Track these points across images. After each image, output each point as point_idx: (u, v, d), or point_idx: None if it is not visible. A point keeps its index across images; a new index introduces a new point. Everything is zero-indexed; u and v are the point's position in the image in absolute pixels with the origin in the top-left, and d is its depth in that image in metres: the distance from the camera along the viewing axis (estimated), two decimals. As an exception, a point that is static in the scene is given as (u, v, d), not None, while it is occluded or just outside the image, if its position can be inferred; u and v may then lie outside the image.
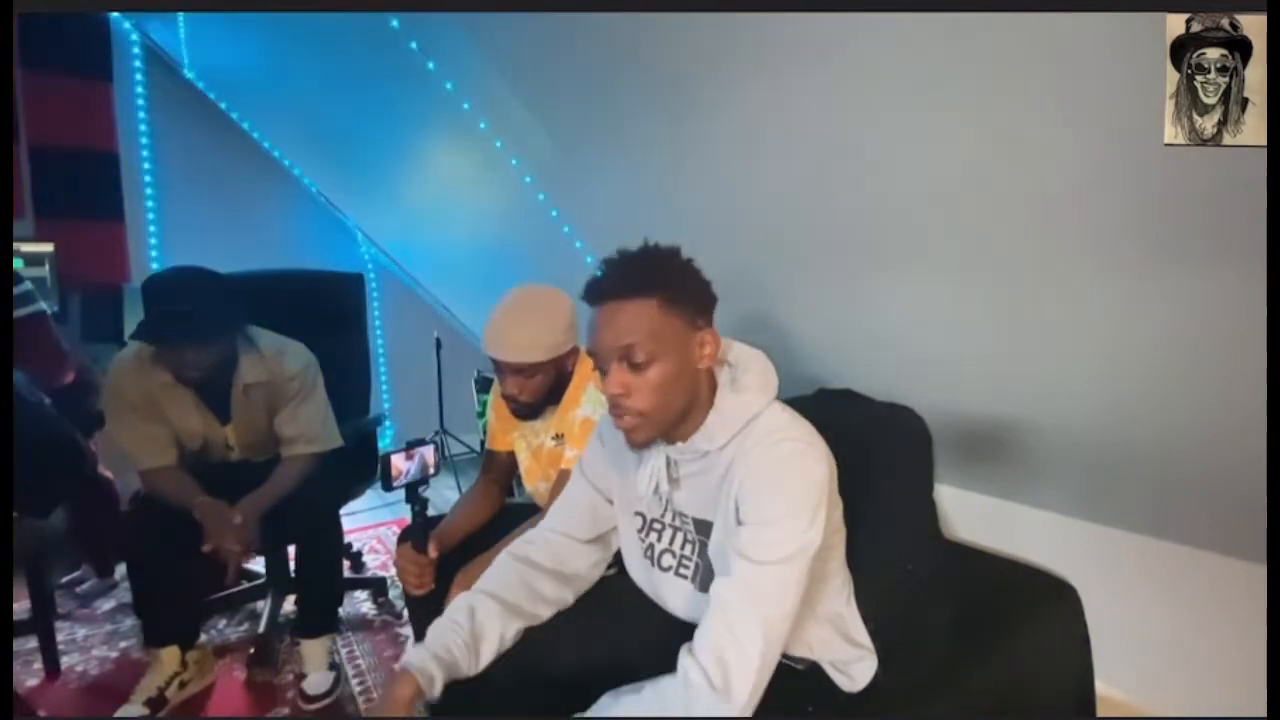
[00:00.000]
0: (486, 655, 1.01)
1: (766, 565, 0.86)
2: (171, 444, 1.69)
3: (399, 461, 1.33)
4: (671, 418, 0.95)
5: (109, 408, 1.67)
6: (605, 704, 0.87)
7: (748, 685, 0.83)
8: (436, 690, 0.94)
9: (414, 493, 1.34)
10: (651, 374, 0.92)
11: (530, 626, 1.07)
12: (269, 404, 1.74)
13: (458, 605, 1.04)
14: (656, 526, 1.06)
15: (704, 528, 0.99)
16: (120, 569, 2.26)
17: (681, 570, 1.03)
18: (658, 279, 0.93)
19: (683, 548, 1.03)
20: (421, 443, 1.38)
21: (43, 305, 1.93)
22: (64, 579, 2.26)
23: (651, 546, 1.07)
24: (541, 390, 1.38)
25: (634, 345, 0.91)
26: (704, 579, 0.98)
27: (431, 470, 1.39)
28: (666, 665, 0.87)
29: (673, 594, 1.04)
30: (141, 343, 1.61)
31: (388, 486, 1.33)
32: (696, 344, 0.95)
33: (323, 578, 1.81)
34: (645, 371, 0.91)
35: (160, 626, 1.68)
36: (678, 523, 1.03)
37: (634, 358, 0.91)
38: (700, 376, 0.97)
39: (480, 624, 1.01)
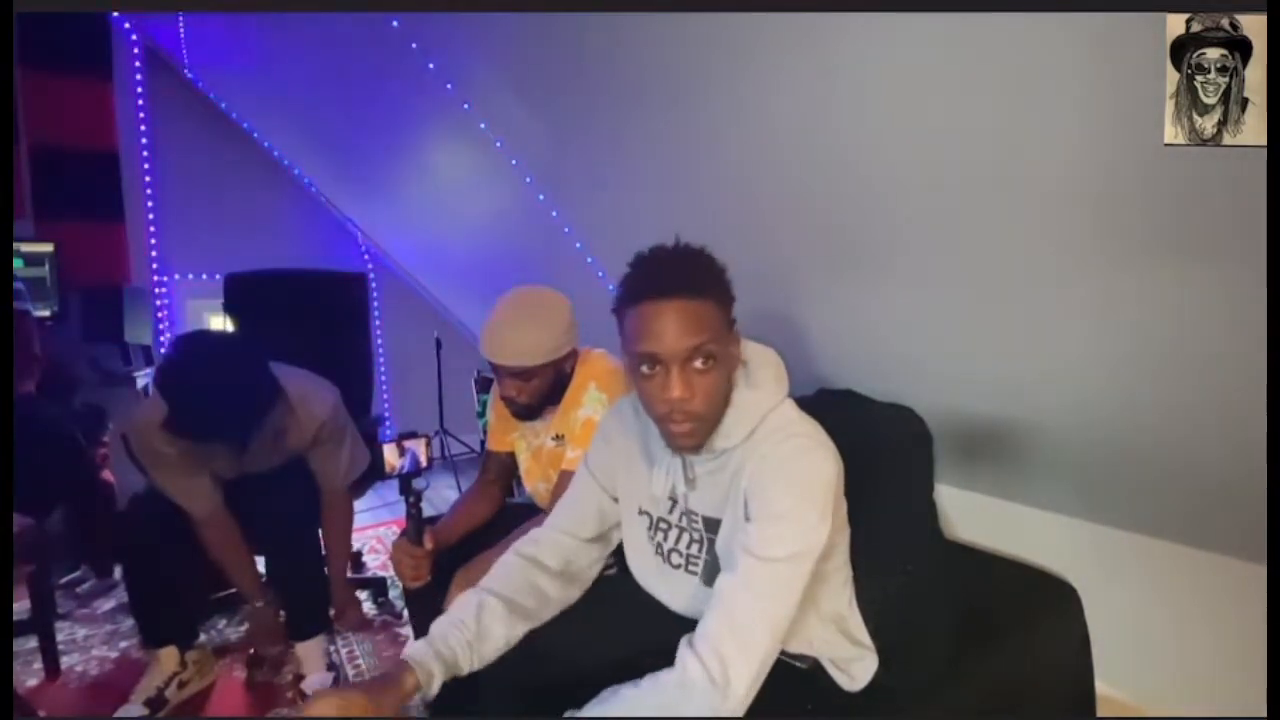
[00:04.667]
0: (489, 655, 0.99)
1: (772, 562, 0.86)
2: (216, 488, 1.66)
3: (390, 455, 1.33)
4: (719, 419, 0.95)
5: (145, 460, 1.61)
6: (605, 697, 0.86)
7: (746, 681, 0.83)
8: (434, 688, 0.93)
9: (407, 485, 1.34)
10: (714, 375, 0.90)
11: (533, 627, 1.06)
12: (292, 441, 1.71)
13: (465, 602, 1.02)
14: (663, 526, 1.06)
15: (713, 525, 0.99)
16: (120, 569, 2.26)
17: (690, 568, 1.03)
18: (714, 279, 0.92)
19: (689, 547, 1.03)
20: (412, 436, 1.38)
21: (25, 305, 1.91)
22: (64, 579, 2.26)
23: (660, 545, 1.07)
24: (540, 392, 1.38)
25: (706, 347, 0.88)
26: (711, 574, 0.98)
27: (424, 463, 1.39)
28: (667, 664, 0.87)
29: (677, 591, 1.04)
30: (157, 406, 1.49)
31: (381, 475, 1.33)
32: (732, 344, 0.95)
33: (302, 580, 1.76)
34: (709, 374, 0.90)
35: (157, 627, 1.68)
36: (684, 522, 1.03)
37: (703, 360, 0.88)
38: (733, 376, 0.97)
39: (486, 625, 1.00)
